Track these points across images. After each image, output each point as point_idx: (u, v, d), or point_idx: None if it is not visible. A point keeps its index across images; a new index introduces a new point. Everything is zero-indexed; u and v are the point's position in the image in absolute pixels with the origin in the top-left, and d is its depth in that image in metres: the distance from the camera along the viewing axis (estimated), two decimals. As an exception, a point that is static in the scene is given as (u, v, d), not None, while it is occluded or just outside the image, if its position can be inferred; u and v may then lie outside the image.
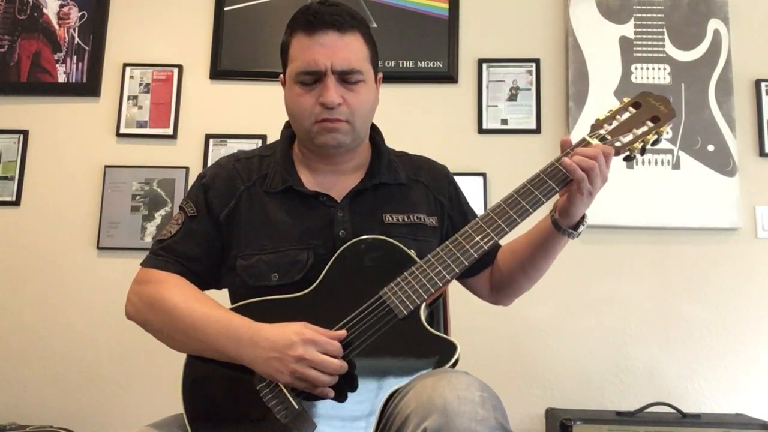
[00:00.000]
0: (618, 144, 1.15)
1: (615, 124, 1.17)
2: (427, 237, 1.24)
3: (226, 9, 2.54)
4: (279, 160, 1.26)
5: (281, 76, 1.27)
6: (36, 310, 2.40)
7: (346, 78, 1.17)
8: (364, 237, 1.15)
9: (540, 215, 1.19)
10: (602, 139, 1.15)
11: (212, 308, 1.12)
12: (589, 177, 1.08)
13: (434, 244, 1.21)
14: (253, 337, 1.05)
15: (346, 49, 1.16)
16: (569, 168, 1.08)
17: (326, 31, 1.16)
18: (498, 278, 1.34)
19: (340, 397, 1.03)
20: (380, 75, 1.28)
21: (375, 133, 1.32)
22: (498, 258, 1.34)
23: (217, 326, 1.08)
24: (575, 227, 1.17)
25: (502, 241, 1.19)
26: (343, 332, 1.05)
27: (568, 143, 1.15)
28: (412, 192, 1.29)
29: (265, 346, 1.03)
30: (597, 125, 1.18)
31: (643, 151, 1.17)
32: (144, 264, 1.22)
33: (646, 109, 1.17)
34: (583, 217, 1.17)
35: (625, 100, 1.20)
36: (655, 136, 1.16)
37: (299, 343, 1.01)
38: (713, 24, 2.43)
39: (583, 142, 1.15)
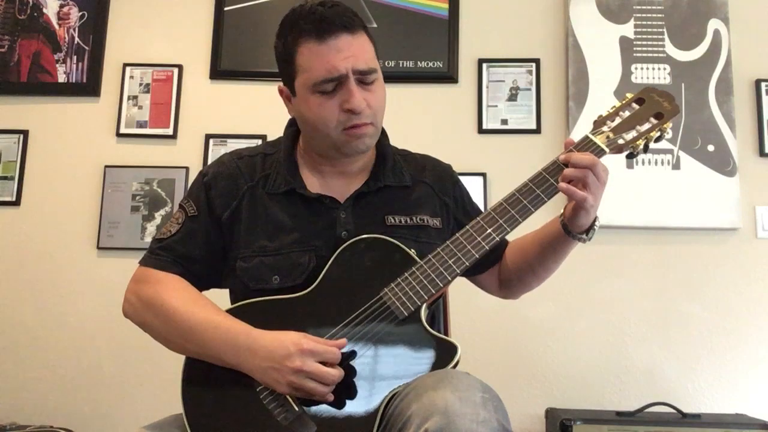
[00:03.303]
0: (621, 141, 1.13)
1: (618, 120, 1.15)
2: (429, 239, 1.23)
3: (226, 9, 2.54)
4: (282, 161, 1.24)
5: (281, 86, 1.22)
6: (36, 310, 2.40)
7: (364, 78, 1.13)
8: (364, 236, 1.14)
9: (542, 213, 1.18)
10: (605, 136, 1.13)
11: (211, 313, 1.10)
12: (590, 191, 1.07)
13: (436, 246, 1.20)
14: (251, 345, 1.04)
15: (361, 50, 1.13)
16: (568, 192, 1.07)
17: (338, 35, 1.11)
18: (507, 275, 1.33)
19: (340, 401, 1.02)
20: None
21: (380, 134, 1.31)
22: (507, 255, 1.33)
23: (215, 332, 1.07)
24: (586, 232, 1.16)
25: (511, 236, 1.18)
26: (343, 341, 1.04)
27: (572, 144, 1.14)
28: (416, 193, 1.28)
29: (264, 355, 1.02)
30: (600, 122, 1.16)
31: (646, 149, 1.15)
32: (142, 263, 1.21)
33: (650, 105, 1.15)
34: (595, 220, 1.16)
35: (629, 95, 1.18)
36: (659, 133, 1.14)
37: (296, 354, 1.00)
38: (713, 24, 2.43)
39: (586, 140, 1.13)
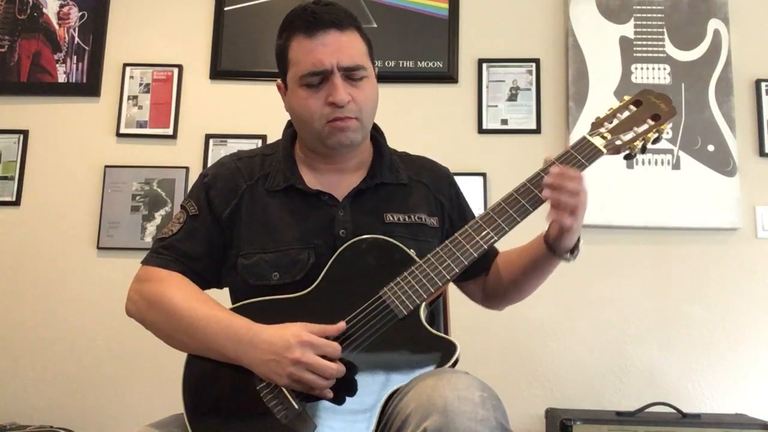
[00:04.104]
0: (618, 142, 1.14)
1: (615, 122, 1.17)
2: (427, 237, 1.24)
3: (226, 9, 2.54)
4: (281, 159, 1.26)
5: (278, 81, 1.26)
6: (36, 310, 2.40)
7: (351, 75, 1.16)
8: (365, 236, 1.15)
9: (539, 214, 1.19)
10: (602, 137, 1.15)
11: (213, 308, 1.11)
12: (573, 213, 1.09)
13: (434, 244, 1.21)
14: (252, 338, 1.05)
15: (349, 46, 1.16)
16: (554, 219, 1.09)
17: (327, 30, 1.15)
18: (492, 286, 1.34)
19: (339, 399, 1.02)
20: (376, 69, 1.27)
21: (377, 133, 1.32)
22: (494, 266, 1.35)
23: (217, 327, 1.08)
24: (572, 251, 1.18)
25: (502, 243, 1.19)
26: (342, 324, 1.05)
27: (550, 161, 1.15)
28: (413, 192, 1.29)
29: (264, 348, 1.03)
30: (597, 123, 1.17)
31: (643, 150, 1.17)
32: (145, 262, 1.22)
33: (647, 107, 1.17)
34: (578, 240, 1.18)
35: (626, 98, 1.20)
36: (656, 135, 1.16)
37: (296, 345, 1.01)
38: (713, 24, 2.43)
39: (584, 141, 1.15)
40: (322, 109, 1.16)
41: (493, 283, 1.33)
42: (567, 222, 1.09)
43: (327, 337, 1.03)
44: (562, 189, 1.08)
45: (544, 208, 1.16)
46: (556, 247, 1.16)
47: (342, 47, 1.15)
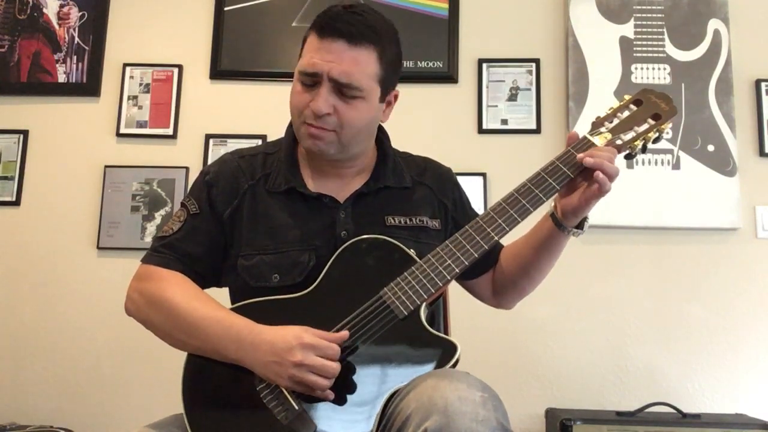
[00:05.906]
0: (619, 142, 1.14)
1: (616, 121, 1.17)
2: (429, 240, 1.23)
3: (226, 9, 2.54)
4: (283, 160, 1.25)
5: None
6: (36, 310, 2.40)
7: (342, 90, 1.12)
8: (365, 236, 1.15)
9: (538, 215, 1.19)
10: (603, 137, 1.15)
11: (214, 308, 1.11)
12: (611, 179, 1.08)
13: (436, 246, 1.20)
14: (254, 340, 1.05)
15: (350, 62, 1.11)
16: (598, 179, 1.07)
17: (336, 39, 1.11)
18: (500, 281, 1.33)
19: (340, 399, 1.02)
20: (396, 93, 1.25)
21: (382, 135, 1.31)
22: (500, 260, 1.34)
23: (218, 327, 1.08)
24: (580, 225, 1.17)
25: (504, 242, 1.19)
26: (345, 333, 1.04)
27: (575, 138, 1.15)
28: (416, 195, 1.28)
29: (265, 349, 1.03)
30: (598, 123, 1.17)
31: (644, 149, 1.17)
32: (144, 260, 1.21)
33: (648, 106, 1.17)
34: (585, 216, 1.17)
35: (626, 97, 1.20)
36: (657, 134, 1.15)
37: (298, 347, 1.00)
38: (713, 24, 2.43)
39: (584, 141, 1.14)
40: (303, 109, 1.15)
41: (501, 275, 1.32)
42: (608, 187, 1.08)
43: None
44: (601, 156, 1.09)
45: (544, 208, 1.16)
46: (564, 223, 1.15)
47: (342, 60, 1.11)
